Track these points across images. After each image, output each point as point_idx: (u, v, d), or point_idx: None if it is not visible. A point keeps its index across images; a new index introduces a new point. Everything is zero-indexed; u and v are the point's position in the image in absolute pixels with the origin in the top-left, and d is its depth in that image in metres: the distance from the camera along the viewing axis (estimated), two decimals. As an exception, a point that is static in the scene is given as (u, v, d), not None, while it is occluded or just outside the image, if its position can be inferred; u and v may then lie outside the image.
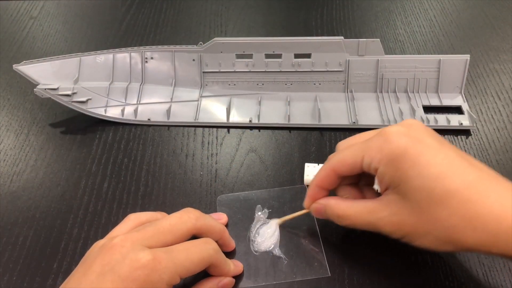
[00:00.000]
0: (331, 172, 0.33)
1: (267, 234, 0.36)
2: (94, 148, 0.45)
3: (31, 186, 0.42)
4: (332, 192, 0.35)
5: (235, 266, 0.34)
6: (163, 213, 0.34)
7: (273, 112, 0.48)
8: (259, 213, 0.38)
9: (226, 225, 0.38)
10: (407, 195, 0.29)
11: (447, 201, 0.27)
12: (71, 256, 0.36)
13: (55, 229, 0.39)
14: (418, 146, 0.29)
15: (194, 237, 0.32)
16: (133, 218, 0.32)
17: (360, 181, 0.35)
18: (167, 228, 0.30)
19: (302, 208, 0.36)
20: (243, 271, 0.34)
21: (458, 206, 0.27)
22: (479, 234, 0.27)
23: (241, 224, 0.38)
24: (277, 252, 0.35)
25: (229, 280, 0.33)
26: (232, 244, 0.36)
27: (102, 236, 0.37)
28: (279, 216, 0.37)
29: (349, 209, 0.32)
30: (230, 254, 0.35)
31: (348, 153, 0.32)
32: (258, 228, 0.37)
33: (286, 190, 0.41)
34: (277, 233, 0.36)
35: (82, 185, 0.42)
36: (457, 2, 0.66)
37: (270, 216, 0.38)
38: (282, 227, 0.37)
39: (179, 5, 0.66)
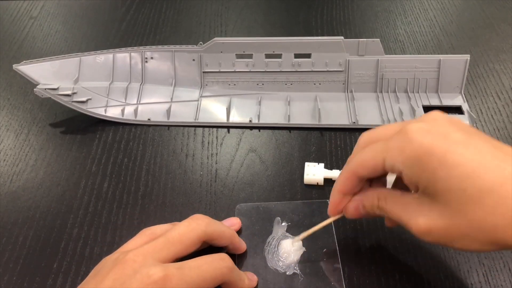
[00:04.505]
0: (352, 175, 0.31)
1: (290, 251, 0.35)
2: (94, 148, 0.45)
3: (31, 186, 0.42)
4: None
5: (249, 280, 0.33)
6: (176, 223, 0.34)
7: (273, 112, 0.48)
8: (278, 226, 0.37)
9: (240, 232, 0.37)
10: (436, 197, 0.26)
11: (482, 201, 0.25)
12: (71, 256, 0.36)
13: (55, 229, 0.39)
14: (444, 143, 0.26)
15: (206, 251, 0.32)
16: (148, 233, 0.32)
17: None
18: (177, 238, 0.30)
19: (325, 227, 0.35)
20: (257, 285, 0.33)
21: (494, 205, 0.25)
22: None
23: (258, 235, 0.36)
24: (293, 268, 0.34)
25: None
26: (243, 246, 0.35)
27: (102, 236, 0.38)
28: (298, 230, 0.35)
29: (388, 202, 0.30)
30: (245, 266, 0.35)
31: (368, 154, 0.30)
32: (276, 242, 0.36)
33: (307, 203, 0.39)
34: (299, 251, 0.35)
35: (82, 185, 0.42)
36: (457, 2, 0.66)
37: (289, 230, 0.36)
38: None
39: (179, 5, 0.66)
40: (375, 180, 0.33)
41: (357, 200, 0.32)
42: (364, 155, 0.30)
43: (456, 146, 0.26)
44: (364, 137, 0.32)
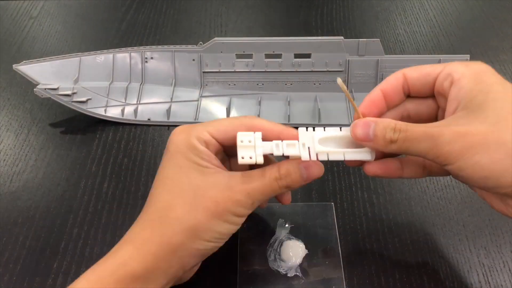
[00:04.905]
0: (402, 76, 0.30)
1: (292, 253, 0.34)
2: (94, 148, 0.45)
3: (31, 186, 0.42)
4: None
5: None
6: None
7: (273, 112, 0.48)
8: (281, 227, 0.37)
9: (249, 237, 0.36)
10: (482, 106, 0.26)
11: None
12: (71, 256, 0.36)
13: (55, 229, 0.39)
14: (503, 78, 0.28)
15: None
16: None
17: None
18: None
19: (327, 229, 0.35)
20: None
21: None
22: None
23: (261, 236, 0.36)
24: (295, 270, 0.34)
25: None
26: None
27: (102, 236, 0.38)
28: (301, 232, 0.35)
29: (408, 124, 0.27)
30: (246, 267, 0.34)
31: (426, 65, 0.30)
32: (279, 244, 0.35)
33: (311, 206, 0.39)
34: (302, 254, 0.35)
35: (82, 185, 0.42)
36: (457, 2, 0.66)
37: (292, 232, 0.36)
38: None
39: (179, 5, 0.66)
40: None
41: (370, 119, 0.29)
42: (420, 65, 0.30)
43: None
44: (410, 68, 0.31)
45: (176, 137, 0.30)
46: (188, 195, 0.28)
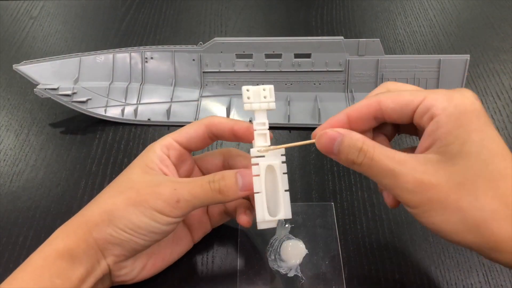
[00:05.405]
0: (375, 103, 0.28)
1: (292, 253, 0.34)
2: (94, 148, 0.45)
3: (31, 186, 0.42)
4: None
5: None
6: None
7: (273, 112, 0.48)
8: (281, 227, 0.36)
9: (249, 237, 0.36)
10: (455, 158, 0.25)
11: (497, 182, 0.24)
12: (71, 256, 0.36)
13: (55, 229, 0.38)
14: (487, 119, 0.26)
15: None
16: None
17: None
18: None
19: (327, 229, 0.34)
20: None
21: (505, 191, 0.24)
22: None
23: (261, 236, 0.36)
24: (295, 270, 0.34)
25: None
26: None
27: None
28: (301, 232, 0.35)
29: (376, 148, 0.26)
30: (246, 266, 0.34)
31: (406, 92, 0.27)
32: (279, 244, 0.35)
33: (311, 206, 0.39)
34: (302, 254, 0.34)
35: (82, 185, 0.42)
36: (457, 2, 0.66)
37: (293, 232, 0.36)
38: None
39: (179, 5, 0.66)
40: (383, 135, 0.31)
41: (337, 131, 0.28)
42: (401, 92, 0.28)
43: (494, 129, 0.26)
44: (392, 83, 0.30)
45: (149, 146, 0.33)
46: (120, 186, 0.30)
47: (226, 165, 0.34)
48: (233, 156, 0.34)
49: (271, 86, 0.31)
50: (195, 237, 0.35)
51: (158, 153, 0.31)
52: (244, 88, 0.31)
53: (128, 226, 0.28)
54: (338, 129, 0.28)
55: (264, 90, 0.31)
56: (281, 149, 0.30)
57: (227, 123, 0.32)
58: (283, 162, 0.30)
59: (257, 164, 0.29)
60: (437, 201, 0.25)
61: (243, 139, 0.32)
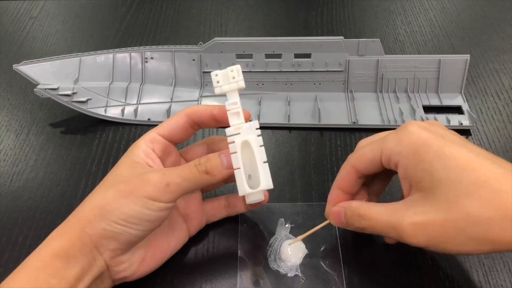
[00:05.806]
0: (351, 169, 0.32)
1: (292, 253, 0.34)
2: (94, 148, 0.45)
3: (31, 186, 0.42)
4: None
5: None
6: None
7: (273, 112, 0.48)
8: (281, 227, 0.37)
9: (249, 237, 0.36)
10: (432, 189, 0.27)
11: (477, 193, 0.25)
12: (71, 256, 0.36)
13: (55, 229, 0.38)
14: (440, 140, 0.28)
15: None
16: None
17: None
18: None
19: (327, 229, 0.35)
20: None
21: (489, 197, 0.25)
22: None
23: (261, 236, 0.36)
24: (295, 270, 0.34)
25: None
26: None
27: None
28: (302, 232, 0.35)
29: (371, 209, 0.30)
30: (246, 267, 0.34)
31: (366, 149, 0.31)
32: (279, 244, 0.35)
33: (311, 206, 0.39)
34: (302, 254, 0.35)
35: (82, 185, 0.42)
36: (457, 2, 0.66)
37: (293, 232, 0.36)
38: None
39: (179, 5, 0.66)
40: (375, 182, 0.34)
41: (340, 206, 0.32)
42: (363, 150, 0.32)
43: (452, 143, 0.27)
44: (362, 140, 0.34)
45: (134, 142, 0.33)
46: (109, 182, 0.30)
47: (211, 152, 0.35)
48: (216, 142, 0.36)
49: (238, 66, 0.32)
50: (191, 229, 0.35)
51: (143, 147, 0.32)
52: (213, 73, 0.32)
53: (121, 218, 0.28)
54: (341, 203, 0.32)
55: (232, 71, 0.32)
56: (255, 124, 0.32)
57: (206, 109, 0.33)
58: (258, 136, 0.32)
59: (233, 142, 0.31)
60: (440, 234, 0.26)
61: (224, 122, 0.33)
